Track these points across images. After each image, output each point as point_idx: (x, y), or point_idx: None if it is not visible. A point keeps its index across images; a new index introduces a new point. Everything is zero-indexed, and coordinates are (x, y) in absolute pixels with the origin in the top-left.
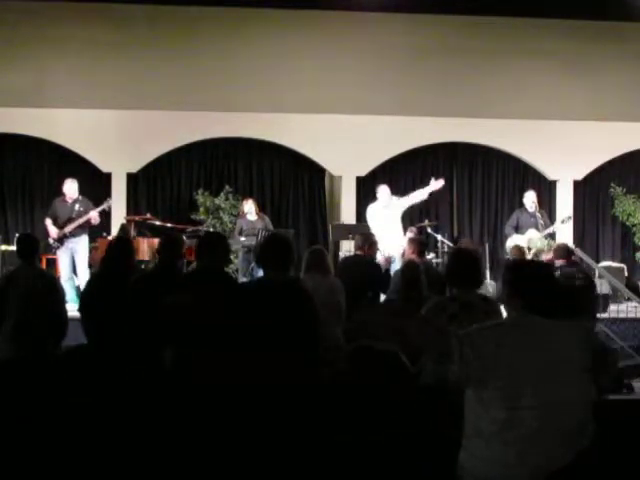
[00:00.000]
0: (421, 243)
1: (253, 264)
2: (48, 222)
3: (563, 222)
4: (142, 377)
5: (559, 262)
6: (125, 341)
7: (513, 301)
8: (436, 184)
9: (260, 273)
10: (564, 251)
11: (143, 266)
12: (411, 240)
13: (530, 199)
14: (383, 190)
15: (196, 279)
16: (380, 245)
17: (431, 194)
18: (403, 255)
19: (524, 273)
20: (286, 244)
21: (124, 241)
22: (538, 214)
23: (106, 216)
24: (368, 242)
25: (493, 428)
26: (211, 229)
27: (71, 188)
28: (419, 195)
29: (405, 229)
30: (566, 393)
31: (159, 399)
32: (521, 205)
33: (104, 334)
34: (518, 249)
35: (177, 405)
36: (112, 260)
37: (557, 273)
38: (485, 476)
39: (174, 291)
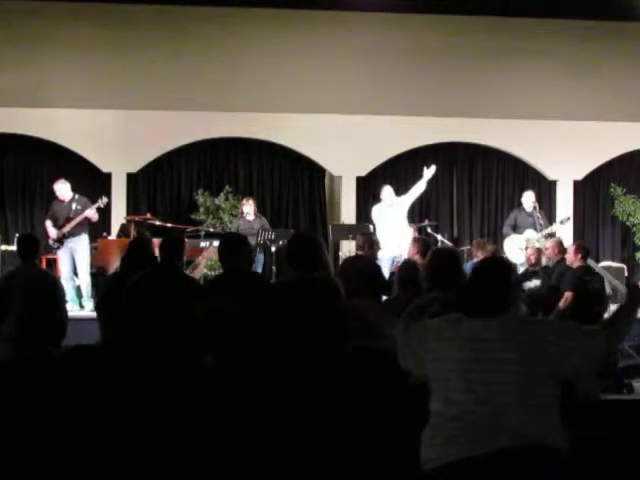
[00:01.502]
0: (425, 243)
1: (253, 264)
2: (48, 224)
3: (562, 223)
4: (171, 379)
5: (577, 263)
6: (157, 342)
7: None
8: (429, 171)
9: (259, 272)
10: (585, 251)
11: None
12: (415, 240)
13: (529, 199)
14: (387, 190)
15: (230, 282)
16: (389, 245)
17: (429, 182)
18: None
19: (474, 272)
20: (315, 243)
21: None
22: (537, 214)
23: (106, 216)
24: (369, 242)
25: (435, 408)
26: (211, 229)
27: (62, 189)
28: (418, 188)
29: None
30: (500, 391)
31: (195, 400)
32: (520, 205)
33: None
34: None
35: (217, 405)
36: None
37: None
38: (433, 461)
39: (210, 295)
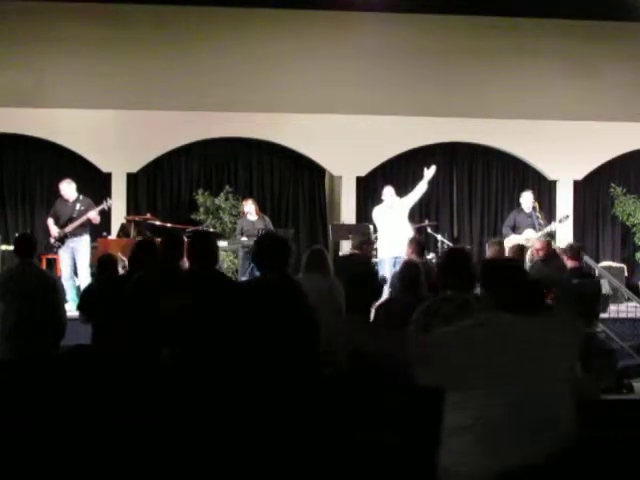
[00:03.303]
0: (419, 243)
1: (253, 264)
2: (50, 222)
3: (561, 221)
4: (141, 376)
5: (571, 263)
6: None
7: (485, 299)
8: (430, 171)
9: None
10: (576, 252)
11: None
12: (410, 240)
13: (527, 199)
14: (387, 191)
15: (193, 280)
16: (385, 245)
17: (430, 182)
18: None
19: (495, 271)
20: (282, 244)
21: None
22: (538, 214)
23: (106, 216)
24: (365, 242)
25: (466, 425)
26: (211, 229)
27: (67, 189)
28: (420, 189)
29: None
30: (536, 390)
31: (156, 398)
32: (519, 205)
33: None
34: (519, 248)
35: (174, 404)
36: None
37: (575, 280)
38: (461, 473)
39: (173, 292)
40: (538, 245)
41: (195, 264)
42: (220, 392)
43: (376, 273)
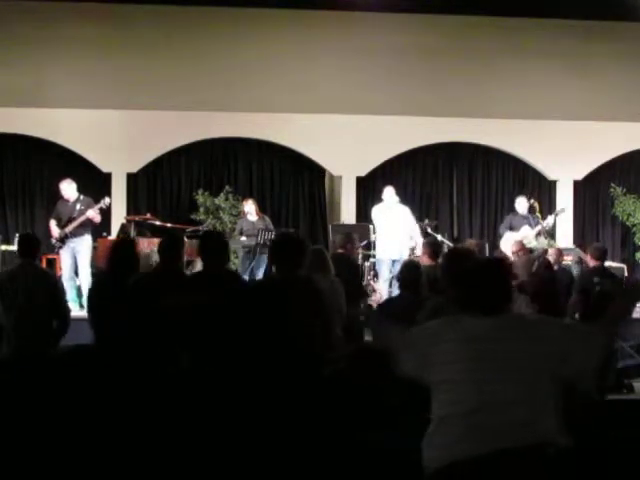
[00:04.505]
0: (433, 245)
1: (254, 263)
2: (52, 223)
3: (557, 214)
4: (154, 378)
5: (593, 263)
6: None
7: (458, 297)
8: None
9: (260, 272)
10: (600, 252)
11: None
12: (424, 243)
13: (522, 204)
14: (388, 192)
15: (206, 280)
16: (384, 246)
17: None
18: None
19: (468, 269)
20: (300, 243)
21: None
22: (538, 214)
23: (106, 216)
24: (349, 241)
25: (438, 413)
26: (211, 229)
27: (68, 189)
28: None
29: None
30: (506, 389)
31: (171, 399)
32: (514, 210)
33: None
34: (520, 244)
35: (192, 404)
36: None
37: (596, 279)
38: (437, 460)
39: (187, 292)
40: (514, 247)
41: (208, 264)
42: (240, 392)
43: (357, 273)
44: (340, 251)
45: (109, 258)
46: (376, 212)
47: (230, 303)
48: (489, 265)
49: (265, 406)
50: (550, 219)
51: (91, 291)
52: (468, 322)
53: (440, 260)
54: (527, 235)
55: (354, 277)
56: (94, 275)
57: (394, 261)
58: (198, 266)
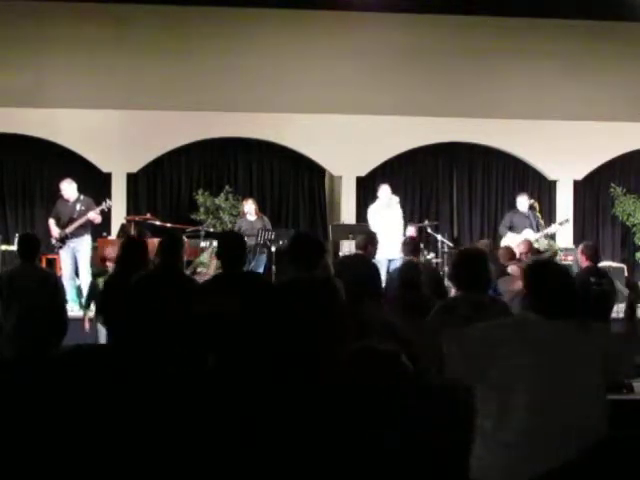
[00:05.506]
0: (409, 243)
1: (253, 264)
2: (51, 222)
3: (561, 224)
4: (175, 379)
5: (586, 263)
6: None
7: (526, 301)
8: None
9: (259, 272)
10: (593, 251)
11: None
12: (402, 243)
13: (523, 202)
14: (384, 190)
15: (233, 282)
16: (384, 245)
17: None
18: None
19: (541, 274)
20: (318, 244)
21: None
22: (538, 214)
23: (106, 216)
24: (370, 242)
25: (488, 426)
26: (211, 229)
27: (68, 189)
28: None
29: (405, 228)
30: (565, 392)
31: (198, 401)
32: (515, 207)
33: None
34: (507, 250)
35: (216, 404)
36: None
37: (592, 279)
38: (484, 475)
39: (210, 295)
40: (522, 248)
41: (227, 265)
42: (264, 391)
43: (378, 275)
44: (360, 252)
45: (119, 258)
46: (372, 211)
47: (262, 306)
48: (566, 271)
49: (284, 407)
50: (553, 227)
51: (102, 293)
52: (535, 325)
53: (429, 257)
54: (529, 238)
55: (374, 279)
56: (98, 275)
57: (390, 260)
58: (212, 266)
